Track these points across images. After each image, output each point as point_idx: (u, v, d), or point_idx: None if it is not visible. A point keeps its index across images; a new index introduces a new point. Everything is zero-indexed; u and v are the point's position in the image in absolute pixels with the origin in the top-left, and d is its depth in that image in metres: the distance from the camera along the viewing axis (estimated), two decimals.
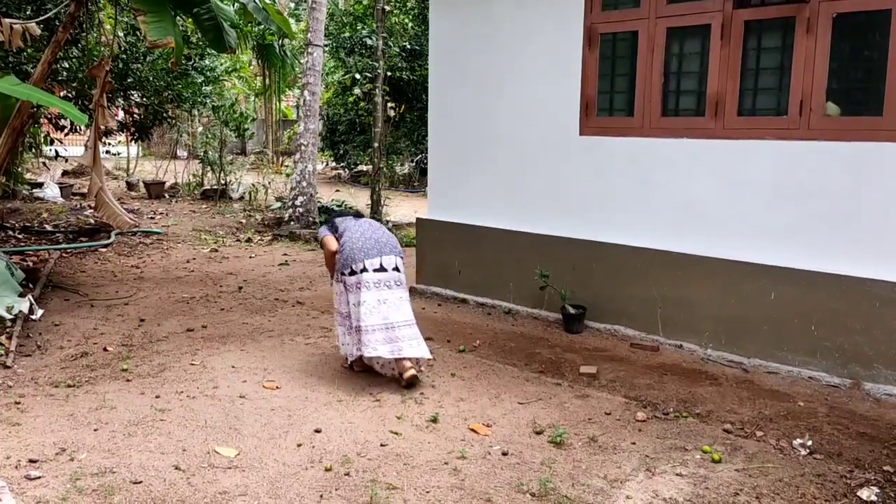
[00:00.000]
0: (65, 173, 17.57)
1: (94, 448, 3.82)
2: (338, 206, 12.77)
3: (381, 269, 4.86)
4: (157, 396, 4.59)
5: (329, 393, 4.72)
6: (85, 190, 14.70)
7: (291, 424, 4.21)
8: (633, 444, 4.05)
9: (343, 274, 4.92)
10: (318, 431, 4.11)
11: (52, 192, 14.47)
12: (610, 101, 6.14)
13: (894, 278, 4.76)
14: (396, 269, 4.94)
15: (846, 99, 5.07)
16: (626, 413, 4.49)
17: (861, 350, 4.91)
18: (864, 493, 3.50)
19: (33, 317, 6.18)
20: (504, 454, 3.89)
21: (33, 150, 13.42)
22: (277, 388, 4.81)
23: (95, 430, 4.05)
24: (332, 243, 5.10)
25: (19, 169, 13.20)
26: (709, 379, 5.13)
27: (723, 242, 5.49)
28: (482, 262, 6.95)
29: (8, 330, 5.77)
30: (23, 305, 6.18)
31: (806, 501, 3.44)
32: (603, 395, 4.81)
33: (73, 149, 15.74)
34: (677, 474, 3.69)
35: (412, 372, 4.79)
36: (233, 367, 5.20)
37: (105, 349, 5.53)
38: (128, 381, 4.88)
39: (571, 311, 6.09)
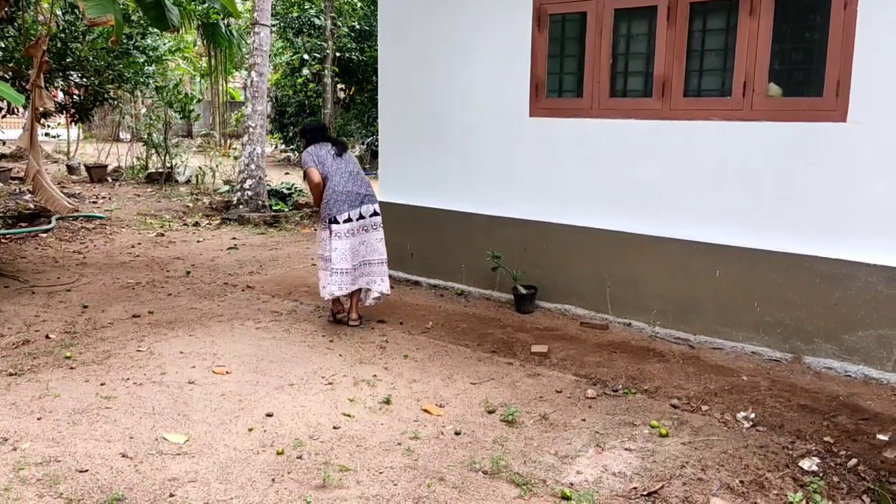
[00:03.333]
0: (2, 157, 16.94)
1: (38, 437, 3.72)
2: (287, 189, 12.60)
3: (361, 217, 5.65)
4: (103, 384, 4.49)
5: (281, 377, 4.67)
6: (23, 174, 14.24)
7: (242, 409, 4.16)
8: (584, 420, 4.11)
9: (328, 222, 5.58)
10: (269, 416, 4.08)
11: None
12: (560, 82, 6.16)
13: (833, 255, 4.91)
14: (375, 213, 5.73)
15: (788, 80, 5.19)
16: (577, 391, 4.55)
17: (802, 325, 5.06)
18: (806, 464, 3.62)
19: None
20: (457, 434, 3.91)
21: None
22: (228, 373, 4.75)
23: (39, 418, 3.95)
24: (316, 175, 5.66)
25: None
26: (657, 356, 5.23)
27: (671, 222, 5.59)
28: (435, 244, 6.95)
29: None
30: None
31: (749, 472, 3.55)
32: (554, 373, 4.87)
33: (11, 132, 15.19)
34: (626, 449, 3.76)
35: (357, 322, 5.80)
36: (181, 352, 5.11)
37: (47, 336, 5.38)
38: (72, 368, 4.76)
39: (522, 291, 6.14)
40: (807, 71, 5.14)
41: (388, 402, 4.30)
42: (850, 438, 3.95)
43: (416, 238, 7.09)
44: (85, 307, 6.19)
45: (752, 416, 4.18)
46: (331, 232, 5.59)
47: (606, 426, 4.04)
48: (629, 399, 4.44)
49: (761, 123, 5.14)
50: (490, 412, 4.20)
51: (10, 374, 4.59)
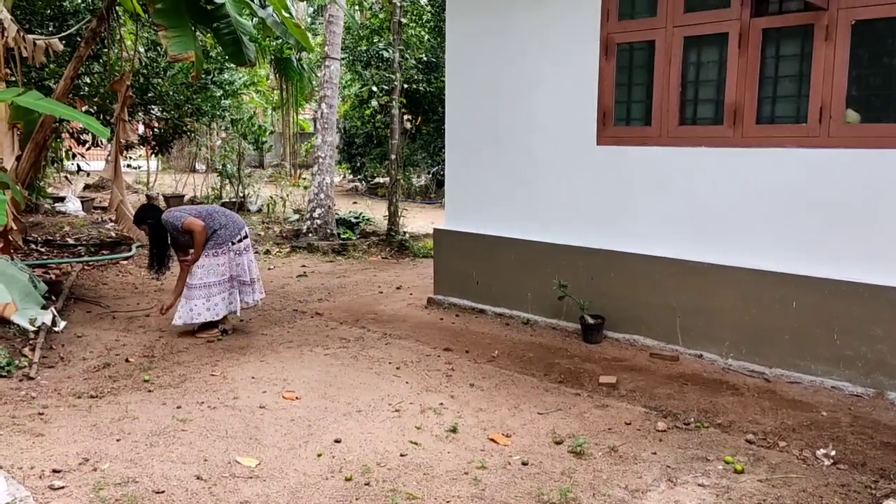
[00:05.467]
0: (86, 187, 17.77)
1: (117, 458, 3.85)
2: (355, 217, 12.82)
3: (246, 236, 6.37)
4: (179, 407, 4.63)
5: (349, 403, 4.73)
6: (106, 203, 14.88)
7: (311, 434, 4.22)
8: (654, 454, 4.02)
9: (232, 244, 6.24)
10: (337, 441, 4.13)
11: (73, 205, 14.64)
12: (627, 110, 6.13)
13: None
14: (246, 236, 6.42)
15: (866, 106, 5.04)
16: (647, 423, 4.46)
17: (884, 359, 4.85)
18: None
19: (56, 328, 6.26)
20: (524, 464, 3.88)
21: (55, 165, 13.58)
22: (297, 398, 4.83)
23: (118, 440, 4.09)
24: (200, 221, 6.17)
25: (42, 183, 13.37)
26: (730, 389, 5.09)
27: (743, 251, 5.46)
28: (500, 272, 6.95)
29: (31, 342, 5.84)
30: (45, 317, 6.26)
31: None
32: (623, 405, 4.78)
33: (95, 163, 15.95)
34: (699, 485, 3.66)
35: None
36: (252, 377, 5.23)
37: (127, 360, 5.59)
38: (149, 391, 4.92)
39: (590, 321, 6.07)
40: (886, 97, 4.99)
41: (454, 430, 4.30)
42: None
43: (482, 266, 7.11)
44: (162, 332, 6.41)
45: (833, 453, 4.02)
46: (234, 251, 6.34)
47: (678, 460, 3.94)
48: (702, 433, 4.33)
49: (839, 150, 5.00)
50: (558, 443, 4.15)
51: (92, 397, 4.78)
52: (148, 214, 6.40)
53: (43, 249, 10.18)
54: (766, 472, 3.81)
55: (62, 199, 15.15)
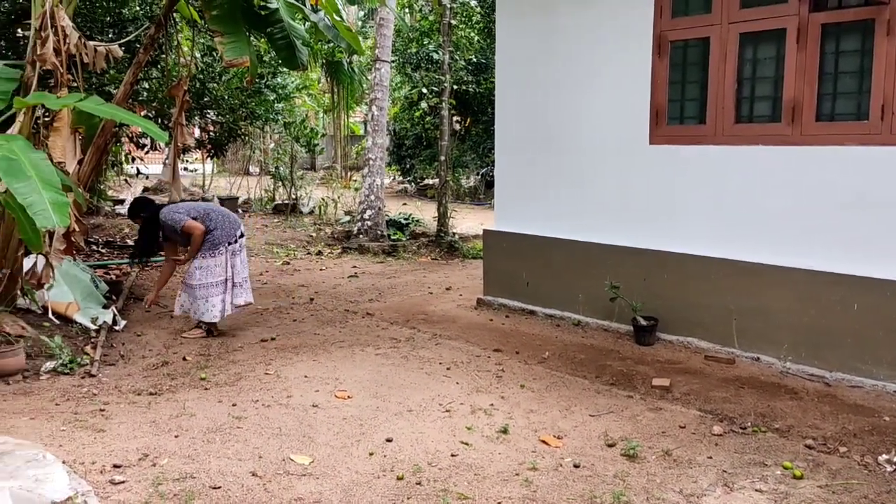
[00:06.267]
0: (145, 190, 18.25)
1: (175, 454, 3.95)
2: (405, 219, 12.90)
3: (242, 235, 6.43)
4: (234, 404, 4.72)
5: (400, 403, 4.76)
6: None
7: (363, 433, 4.26)
8: (710, 458, 3.95)
9: (229, 244, 6.29)
10: (389, 441, 4.16)
11: None
12: (681, 108, 6.04)
13: None
14: (242, 235, 6.46)
15: None
16: (702, 427, 4.38)
17: None
18: None
19: (116, 327, 6.44)
20: (576, 466, 3.85)
21: (115, 168, 13.98)
22: (349, 397, 4.89)
23: (176, 436, 4.19)
24: (201, 226, 6.21)
25: (102, 186, 13.79)
26: (788, 393, 4.97)
27: (801, 251, 5.32)
28: (550, 273, 6.92)
29: (93, 340, 6.03)
30: (106, 316, 6.46)
31: None
32: (677, 408, 4.71)
33: (153, 166, 16.36)
34: (757, 490, 3.58)
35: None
36: (305, 376, 5.30)
37: (184, 358, 5.72)
38: (206, 389, 5.03)
39: (643, 322, 5.99)
40: None
41: (505, 431, 4.29)
42: None
43: (532, 267, 7.08)
44: (219, 331, 6.54)
45: None
46: (231, 250, 6.38)
47: (735, 465, 3.86)
48: (759, 437, 4.23)
49: None
50: (610, 445, 4.11)
51: (151, 394, 4.91)
52: (142, 208, 6.48)
53: (104, 250, 10.50)
54: (826, 478, 3.71)
55: (122, 202, 15.60)
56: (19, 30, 8.62)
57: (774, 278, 5.43)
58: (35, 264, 6.11)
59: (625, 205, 6.33)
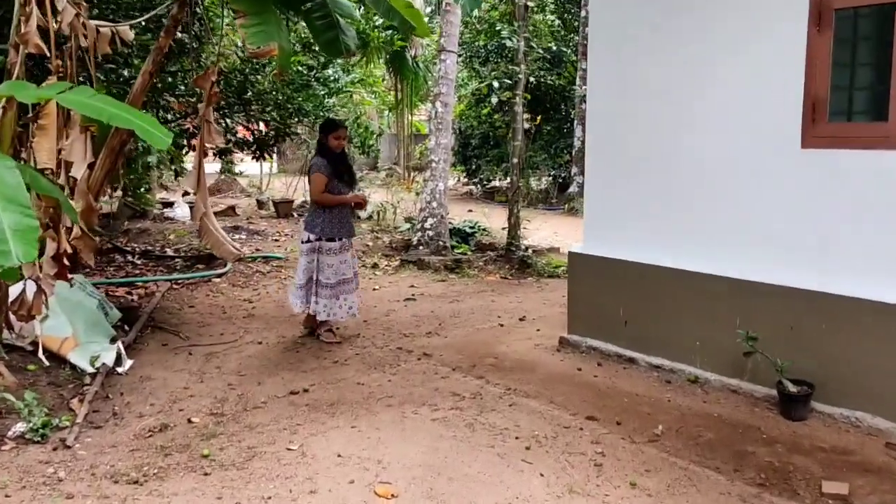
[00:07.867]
0: (185, 194, 17.50)
1: None
2: (470, 227, 11.53)
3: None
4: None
5: None
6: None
7: None
8: None
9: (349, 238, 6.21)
10: None
11: (181, 211, 14.19)
12: (848, 100, 4.48)
13: None
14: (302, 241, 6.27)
15: None
16: None
17: None
18: None
19: (119, 369, 5.30)
20: None
21: (173, 167, 12.94)
22: (394, 496, 3.56)
23: None
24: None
25: (144, 188, 12.87)
26: None
27: None
28: (657, 311, 5.42)
29: (85, 388, 4.88)
30: (108, 356, 5.32)
31: None
32: None
33: (210, 165, 15.43)
34: None
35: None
36: (339, 455, 4.00)
37: (189, 420, 4.49)
38: (206, 474, 3.77)
39: (792, 389, 4.44)
40: None
41: None
42: None
43: (631, 302, 5.60)
44: (241, 376, 5.32)
45: None
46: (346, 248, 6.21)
47: None
48: None
49: None
50: None
51: (131, 482, 3.66)
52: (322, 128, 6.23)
53: (138, 261, 9.48)
54: None
55: (171, 205, 14.72)
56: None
57: None
58: (24, 290, 4.97)
59: (763, 228, 4.80)
